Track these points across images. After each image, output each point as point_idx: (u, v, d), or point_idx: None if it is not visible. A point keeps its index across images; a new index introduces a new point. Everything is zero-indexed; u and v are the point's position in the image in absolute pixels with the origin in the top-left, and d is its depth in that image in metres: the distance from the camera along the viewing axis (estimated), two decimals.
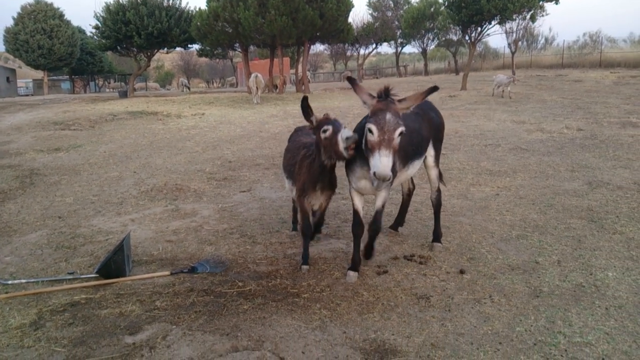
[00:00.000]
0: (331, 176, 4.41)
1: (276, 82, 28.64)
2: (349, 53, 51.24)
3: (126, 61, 49.55)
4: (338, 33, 28.69)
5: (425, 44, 47.90)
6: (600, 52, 39.03)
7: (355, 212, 4.35)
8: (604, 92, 20.39)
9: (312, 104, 16.75)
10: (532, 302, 3.78)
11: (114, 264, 4.38)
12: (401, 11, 46.71)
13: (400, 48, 50.52)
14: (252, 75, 22.51)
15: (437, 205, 5.08)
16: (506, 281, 4.16)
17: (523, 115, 14.65)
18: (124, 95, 30.55)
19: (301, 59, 30.78)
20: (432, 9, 43.06)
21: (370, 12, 46.15)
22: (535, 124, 12.96)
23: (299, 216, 4.62)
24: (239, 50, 30.97)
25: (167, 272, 4.48)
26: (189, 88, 47.22)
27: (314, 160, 4.28)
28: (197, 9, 29.01)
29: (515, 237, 5.17)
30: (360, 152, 3.92)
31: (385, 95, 3.68)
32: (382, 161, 3.44)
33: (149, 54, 32.69)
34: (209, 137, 12.85)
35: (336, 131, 3.96)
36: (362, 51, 47.09)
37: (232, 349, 3.25)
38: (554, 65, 39.64)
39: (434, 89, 3.78)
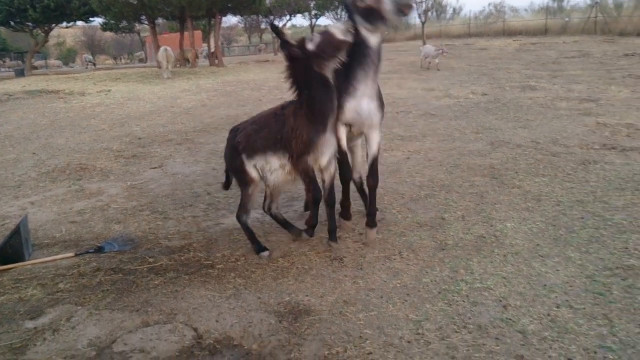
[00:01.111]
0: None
1: (188, 56, 27.68)
2: (263, 26, 50.45)
3: (23, 38, 45.78)
4: (250, 4, 28.10)
5: (339, 16, 48.02)
6: (504, 22, 41.01)
7: (343, 152, 4.09)
8: (507, 59, 21.50)
9: (227, 77, 16.40)
10: (438, 255, 3.96)
11: (11, 249, 4.09)
12: None
13: (315, 20, 50.34)
14: (162, 49, 21.58)
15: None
16: (415, 238, 4.32)
17: (432, 83, 15.14)
18: (21, 74, 28.28)
19: (213, 32, 29.86)
20: None
21: None
22: (444, 91, 13.45)
23: (305, 184, 4.01)
24: (146, 23, 29.57)
25: (72, 254, 4.25)
26: (94, 65, 44.53)
27: (309, 100, 3.77)
28: None
29: (424, 197, 5.37)
30: (350, 71, 3.77)
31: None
32: None
33: (46, 28, 30.44)
34: (117, 115, 12.23)
35: (326, 30, 3.75)
36: (276, 23, 46.48)
37: (143, 324, 3.15)
38: (462, 35, 41.17)
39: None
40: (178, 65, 26.91)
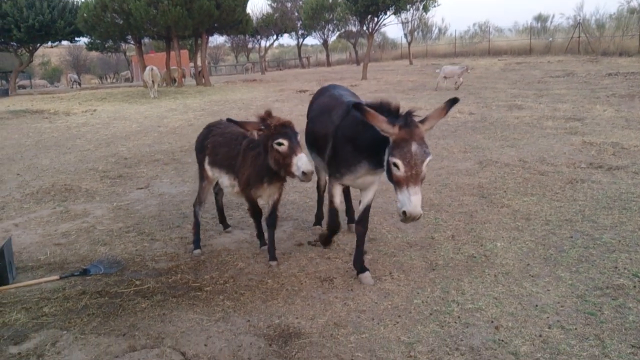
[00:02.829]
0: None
1: (174, 75, 27.68)
2: (250, 45, 50.77)
3: (7, 57, 45.43)
4: (236, 24, 28.31)
5: (326, 35, 48.59)
6: (488, 41, 41.70)
7: (334, 211, 4.00)
8: (493, 78, 21.80)
9: (214, 96, 16.34)
10: (428, 275, 3.93)
11: None
12: (300, 2, 46.94)
13: (301, 39, 50.85)
14: (147, 68, 21.59)
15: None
16: (405, 258, 4.30)
17: (420, 102, 15.27)
18: (4, 93, 28.09)
19: (200, 51, 29.96)
20: (330, 0, 43.67)
21: (269, 3, 45.94)
22: (431, 110, 13.55)
23: (248, 209, 4.45)
24: (132, 42, 29.55)
25: (56, 277, 4.16)
26: (79, 84, 44.30)
27: (260, 155, 3.89)
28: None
29: None
30: (361, 142, 3.49)
31: (407, 120, 3.08)
32: (412, 200, 2.97)
33: (31, 48, 30.24)
34: (102, 134, 12.14)
35: (291, 152, 3.61)
36: (263, 43, 46.79)
37: (130, 349, 3.07)
38: (447, 54, 41.80)
39: (454, 101, 3.26)
40: (164, 85, 26.89)
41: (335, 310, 3.47)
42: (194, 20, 24.77)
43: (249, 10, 33.10)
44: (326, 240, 4.45)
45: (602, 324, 3.09)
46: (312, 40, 55.72)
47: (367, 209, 3.97)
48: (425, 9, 28.36)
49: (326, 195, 4.33)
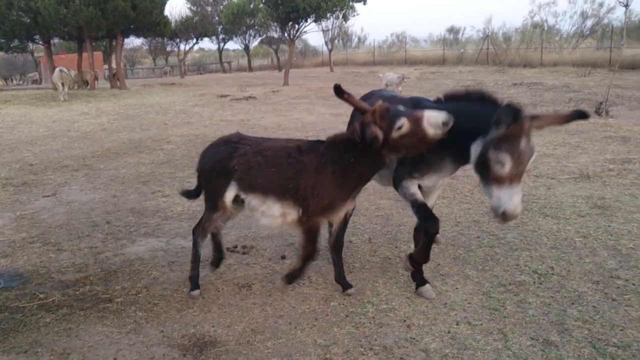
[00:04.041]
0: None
1: (87, 78, 26.36)
2: (169, 48, 49.30)
3: None
4: (154, 26, 27.44)
5: (247, 41, 48.29)
6: (405, 51, 43.19)
7: (424, 205, 3.45)
8: (409, 87, 22.57)
9: (129, 100, 15.69)
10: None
11: None
12: (221, 6, 46.35)
13: (222, 44, 50.17)
14: (57, 70, 20.37)
15: None
16: (323, 262, 4.34)
17: (340, 109, 15.51)
18: None
19: (114, 53, 28.76)
20: (251, 5, 43.48)
21: (189, 6, 44.89)
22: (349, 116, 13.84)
23: (305, 239, 3.44)
24: (41, 43, 27.81)
25: None
26: None
27: (351, 166, 3.22)
28: None
29: None
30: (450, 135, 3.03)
31: (518, 114, 2.77)
32: (513, 199, 2.79)
33: None
34: (5, 139, 11.31)
35: (417, 118, 3.00)
36: (182, 46, 45.67)
37: None
38: (366, 62, 42.81)
39: (582, 115, 2.89)
40: (75, 87, 25.54)
41: (253, 316, 3.45)
42: (108, 21, 23.72)
43: (167, 12, 32.19)
44: (427, 251, 3.55)
45: (505, 319, 3.29)
46: (233, 45, 55.19)
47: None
48: (345, 18, 28.91)
49: (403, 199, 3.61)
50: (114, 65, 29.50)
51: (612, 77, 14.32)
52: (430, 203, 3.70)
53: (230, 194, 3.52)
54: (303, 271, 3.61)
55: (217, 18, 46.03)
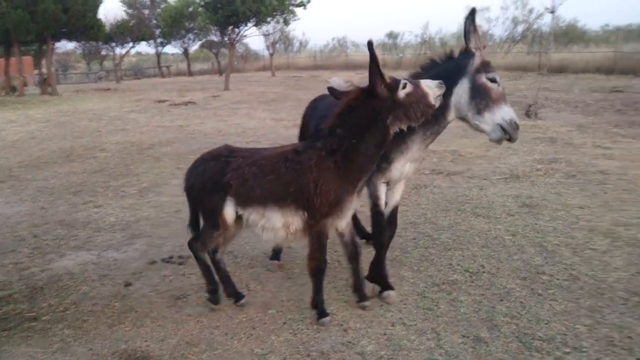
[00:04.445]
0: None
1: (14, 84, 25.06)
2: (104, 52, 47.67)
3: None
4: (87, 30, 26.51)
5: (186, 44, 47.37)
6: (346, 55, 43.70)
7: (381, 213, 3.62)
8: None
9: (61, 106, 15.02)
10: (284, 284, 3.99)
11: None
12: (158, 9, 45.23)
13: (160, 48, 48.98)
14: None
15: None
16: (262, 269, 4.31)
17: (281, 113, 15.51)
18: None
19: (45, 57, 27.51)
20: (190, 9, 42.70)
21: (124, 9, 43.54)
22: (292, 121, 13.82)
23: (312, 249, 3.30)
24: None
25: None
26: None
27: (352, 147, 3.13)
28: None
29: None
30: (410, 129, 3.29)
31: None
32: (512, 110, 3.24)
33: None
34: None
35: (416, 83, 3.17)
36: (118, 50, 44.24)
37: None
38: (308, 66, 43.02)
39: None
40: (3, 94, 24.24)
41: (188, 328, 3.37)
42: (38, 25, 22.68)
43: (101, 15, 31.17)
44: (379, 262, 3.71)
45: (438, 318, 3.37)
46: (172, 49, 54.04)
47: (395, 209, 3.83)
48: (286, 22, 28.93)
49: (368, 197, 3.68)
50: (44, 70, 28.21)
51: (541, 80, 15.01)
52: (396, 198, 3.82)
53: (229, 210, 3.31)
54: (320, 289, 3.39)
55: (154, 21, 44.86)
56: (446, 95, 3.27)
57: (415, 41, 41.35)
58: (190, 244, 3.55)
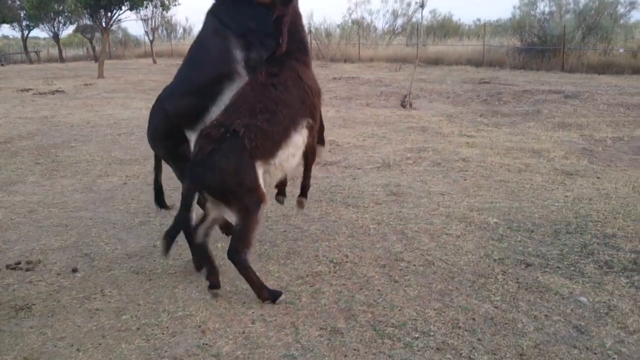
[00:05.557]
0: None
1: None
2: None
3: None
4: None
5: (56, 28, 43.65)
6: None
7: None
8: None
9: None
10: (143, 286, 3.78)
11: None
12: None
13: (27, 31, 44.66)
14: None
15: None
16: (121, 271, 4.06)
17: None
18: None
19: None
20: None
21: None
22: None
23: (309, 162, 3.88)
24: None
25: None
26: None
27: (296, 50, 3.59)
28: None
29: (137, 225, 5.14)
30: None
31: None
32: None
33: None
34: None
35: None
36: None
37: None
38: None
39: None
40: None
41: (28, 342, 3.06)
42: None
43: None
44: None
45: (299, 311, 3.37)
46: (41, 33, 49.49)
47: None
48: (165, 8, 27.68)
49: None
50: None
51: (414, 71, 15.77)
52: None
53: (260, 177, 3.25)
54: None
55: (18, 2, 40.78)
56: None
57: None
58: (231, 255, 3.29)
